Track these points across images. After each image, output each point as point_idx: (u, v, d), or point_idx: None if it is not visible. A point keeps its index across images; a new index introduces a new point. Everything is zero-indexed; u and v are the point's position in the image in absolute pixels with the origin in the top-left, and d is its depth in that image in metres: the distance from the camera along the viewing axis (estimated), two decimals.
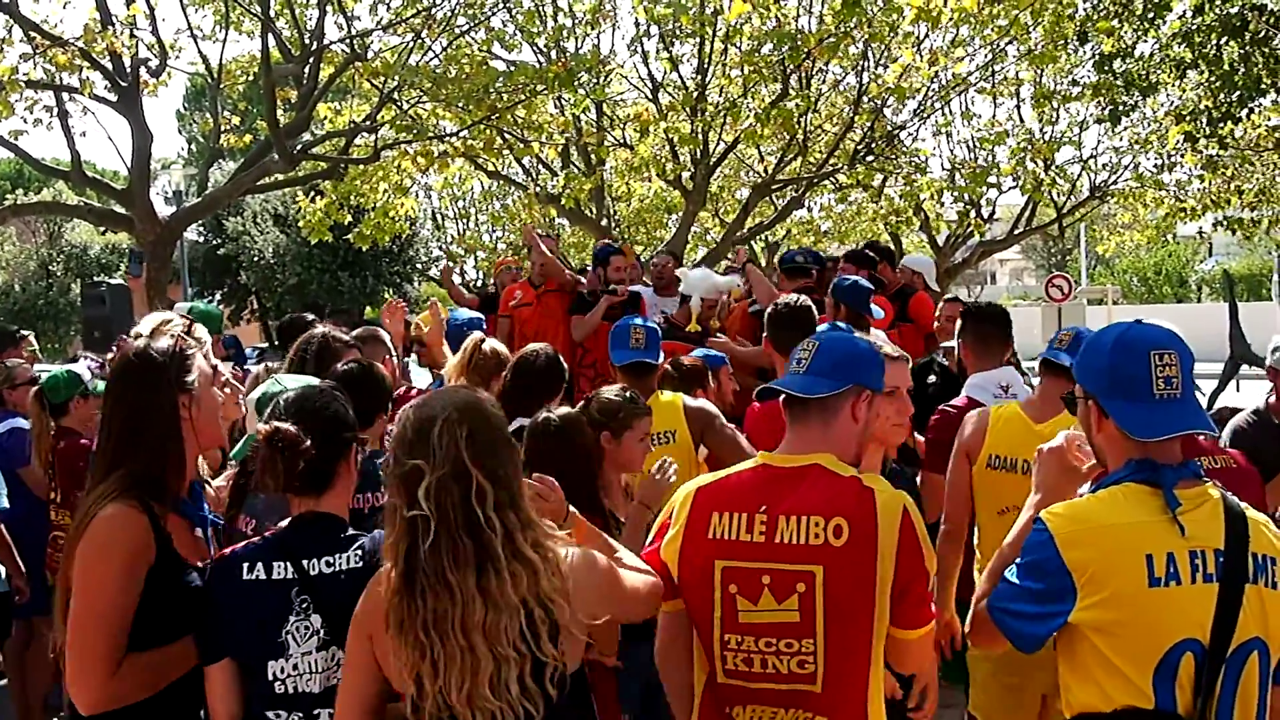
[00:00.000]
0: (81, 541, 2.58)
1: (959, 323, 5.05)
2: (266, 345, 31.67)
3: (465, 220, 32.11)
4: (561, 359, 4.67)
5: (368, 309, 33.47)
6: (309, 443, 2.59)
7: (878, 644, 2.51)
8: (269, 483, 2.61)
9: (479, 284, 33.58)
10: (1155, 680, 2.22)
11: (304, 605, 2.54)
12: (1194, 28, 10.82)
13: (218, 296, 33.11)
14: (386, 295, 34.68)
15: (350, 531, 2.67)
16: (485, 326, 6.37)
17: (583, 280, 7.96)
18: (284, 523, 2.72)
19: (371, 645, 2.34)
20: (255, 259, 31.14)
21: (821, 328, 4.22)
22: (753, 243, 20.37)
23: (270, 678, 2.53)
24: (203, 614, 2.60)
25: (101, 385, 5.68)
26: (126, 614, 2.57)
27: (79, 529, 2.61)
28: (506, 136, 13.17)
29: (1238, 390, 19.39)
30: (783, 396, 2.69)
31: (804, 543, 2.48)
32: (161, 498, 2.70)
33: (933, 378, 6.26)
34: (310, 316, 5.83)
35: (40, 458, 5.66)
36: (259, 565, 2.57)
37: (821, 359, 2.68)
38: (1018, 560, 2.39)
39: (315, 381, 2.87)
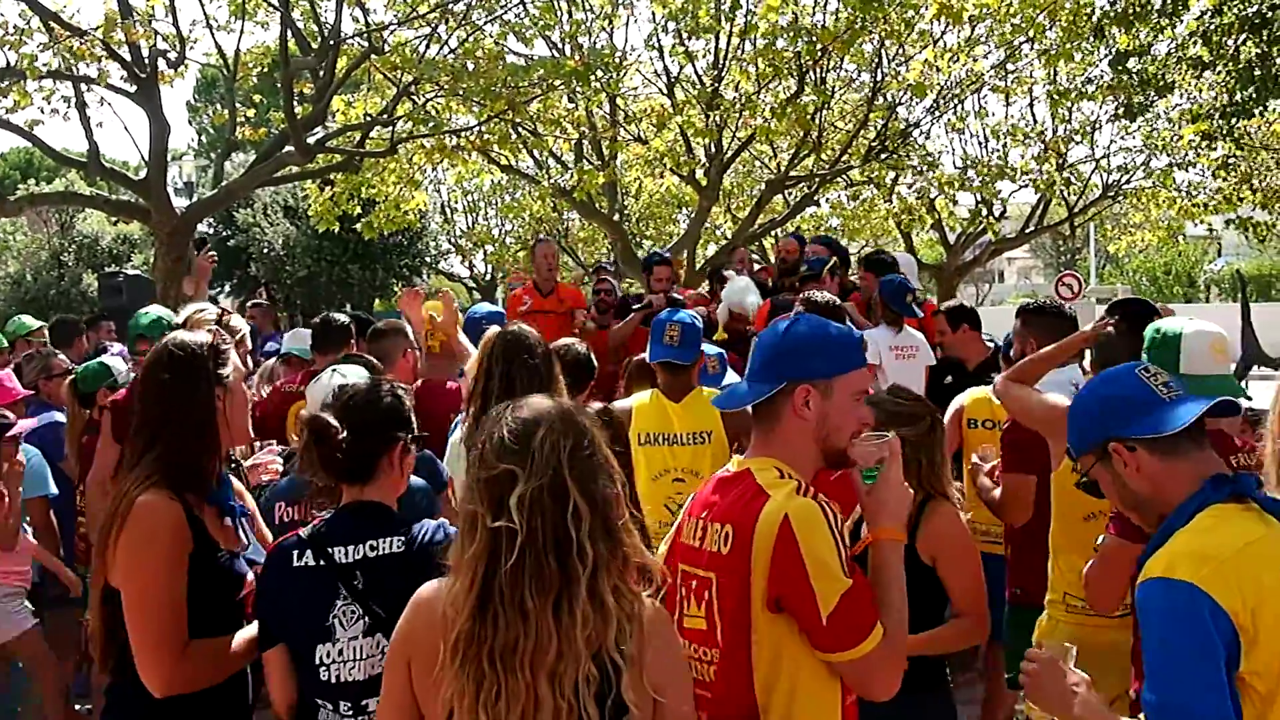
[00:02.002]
0: (124, 531, 2.64)
1: (1017, 322, 4.97)
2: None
3: (474, 213, 32.18)
4: (592, 355, 4.64)
5: (376, 302, 33.53)
6: (344, 434, 2.63)
7: (762, 663, 2.34)
8: (308, 468, 2.69)
9: (487, 277, 33.69)
10: None
11: (351, 589, 2.59)
12: (1213, 26, 10.81)
13: (227, 288, 33.15)
14: (396, 288, 34.73)
15: (397, 517, 2.72)
16: (505, 321, 6.38)
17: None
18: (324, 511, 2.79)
19: (409, 673, 2.13)
20: (265, 251, 31.17)
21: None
22: (763, 240, 20.41)
23: (317, 662, 2.57)
24: (259, 602, 2.67)
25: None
26: (179, 597, 2.63)
27: (114, 517, 2.66)
28: (521, 130, 13.18)
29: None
30: None
31: (711, 550, 2.43)
32: (195, 487, 2.76)
33: (949, 378, 6.31)
34: (345, 318, 5.82)
35: (73, 447, 5.71)
36: (308, 552, 2.62)
37: (754, 359, 2.56)
38: (1148, 668, 2.09)
39: (366, 375, 2.91)
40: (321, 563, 2.60)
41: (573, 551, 1.99)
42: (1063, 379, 4.55)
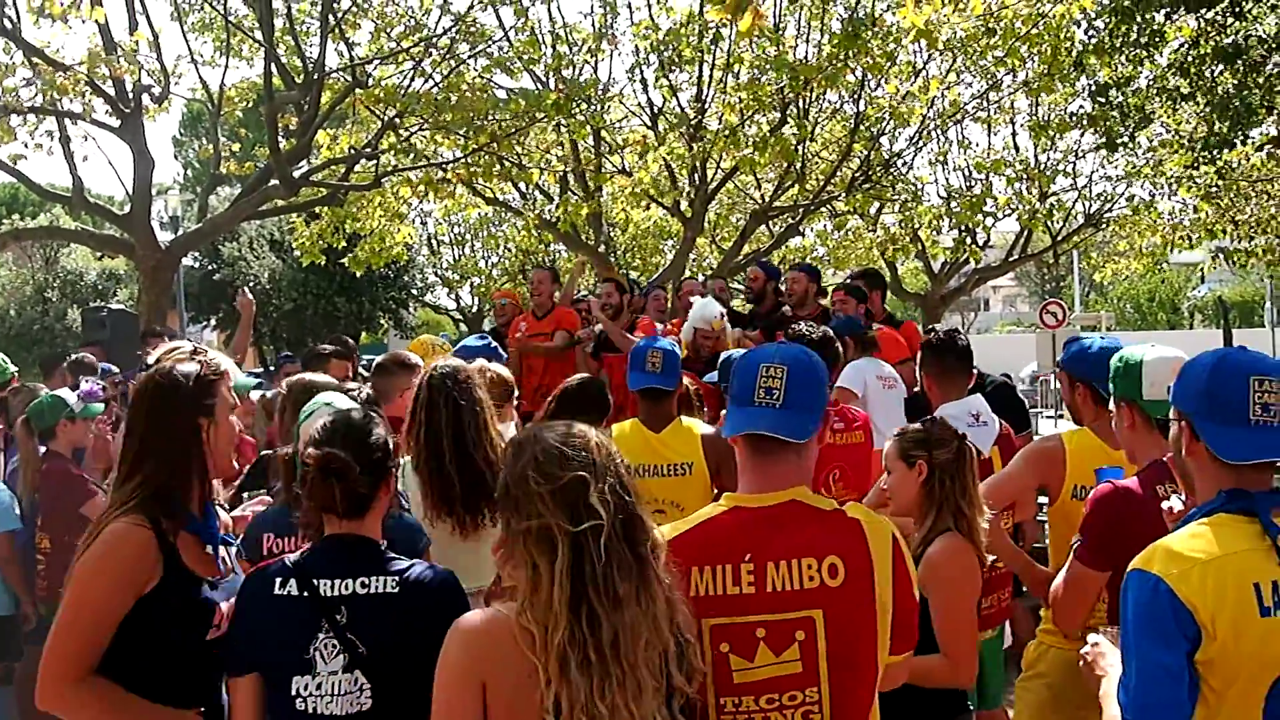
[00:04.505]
0: (87, 551, 2.65)
1: (919, 355, 5.02)
2: (262, 370, 31.72)
3: (461, 246, 32.20)
4: (605, 388, 4.69)
5: (363, 335, 33.49)
6: (359, 470, 2.63)
7: (879, 677, 2.42)
8: (316, 507, 2.65)
9: (474, 310, 33.70)
10: (1266, 715, 2.16)
11: (334, 624, 2.55)
12: (1190, 59, 10.93)
13: (213, 321, 33.10)
14: (382, 321, 34.72)
15: (388, 555, 2.69)
16: (497, 351, 6.38)
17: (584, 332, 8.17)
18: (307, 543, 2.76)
19: (484, 693, 2.17)
20: (251, 284, 31.14)
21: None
22: (748, 269, 20.49)
23: (294, 693, 2.53)
24: (232, 626, 2.63)
25: (94, 408, 5.72)
26: (103, 626, 2.61)
27: (87, 542, 2.68)
28: (505, 163, 13.24)
29: None
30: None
31: (798, 588, 2.33)
32: (172, 514, 2.74)
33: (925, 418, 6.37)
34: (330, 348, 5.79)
35: (28, 485, 5.66)
36: (292, 581, 2.58)
37: (798, 390, 2.45)
38: (1124, 647, 2.26)
39: (349, 403, 2.90)
40: (305, 594, 2.57)
41: (645, 539, 2.21)
42: (963, 410, 4.58)
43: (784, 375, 2.45)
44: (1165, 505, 2.82)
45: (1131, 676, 2.19)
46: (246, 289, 7.16)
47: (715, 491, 4.37)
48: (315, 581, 2.58)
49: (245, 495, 3.84)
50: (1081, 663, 2.56)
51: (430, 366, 3.85)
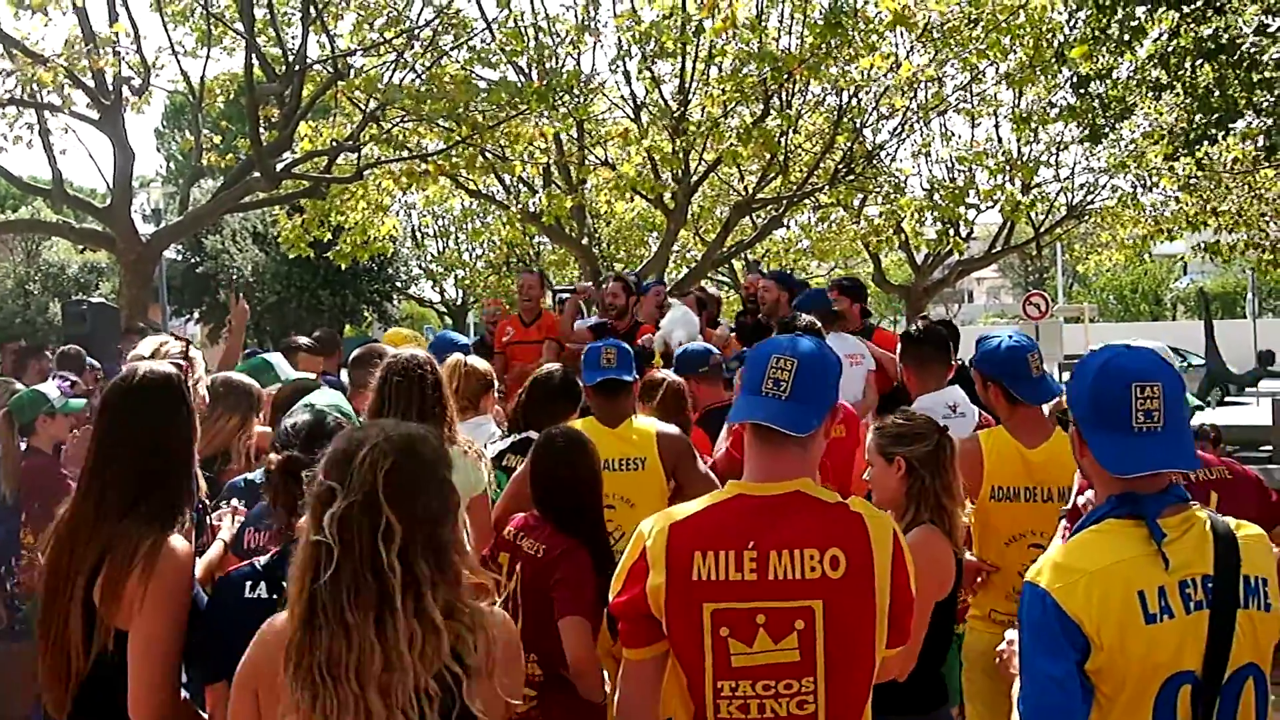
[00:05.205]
0: (153, 573, 2.57)
1: (898, 348, 5.08)
2: None
3: (445, 238, 32.14)
4: (576, 378, 4.71)
5: (347, 327, 33.39)
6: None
7: (875, 671, 2.43)
8: (282, 508, 2.64)
9: (458, 302, 33.64)
10: (1155, 717, 2.18)
11: None
12: (1170, 50, 10.95)
13: (195, 315, 32.97)
14: (366, 313, 34.64)
15: None
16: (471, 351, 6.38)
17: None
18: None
19: (258, 703, 2.14)
20: (234, 277, 31.02)
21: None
22: (733, 261, 20.50)
23: None
24: (205, 632, 2.61)
25: (74, 403, 5.65)
26: (182, 643, 2.63)
27: (131, 557, 2.59)
28: (488, 155, 13.20)
29: (1215, 405, 19.60)
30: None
31: (800, 577, 2.34)
32: (179, 525, 2.74)
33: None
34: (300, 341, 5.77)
35: (10, 479, 5.60)
36: (262, 584, 2.58)
37: (806, 382, 2.46)
38: (1021, 656, 2.29)
39: (334, 404, 2.88)
40: (275, 596, 2.55)
41: (384, 569, 2.02)
42: (939, 402, 4.61)
43: (793, 368, 2.46)
44: (1080, 500, 2.86)
45: (1026, 685, 2.21)
46: (241, 295, 7.05)
47: (670, 490, 4.41)
48: (284, 584, 2.53)
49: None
50: (998, 660, 2.59)
51: (383, 362, 3.87)
